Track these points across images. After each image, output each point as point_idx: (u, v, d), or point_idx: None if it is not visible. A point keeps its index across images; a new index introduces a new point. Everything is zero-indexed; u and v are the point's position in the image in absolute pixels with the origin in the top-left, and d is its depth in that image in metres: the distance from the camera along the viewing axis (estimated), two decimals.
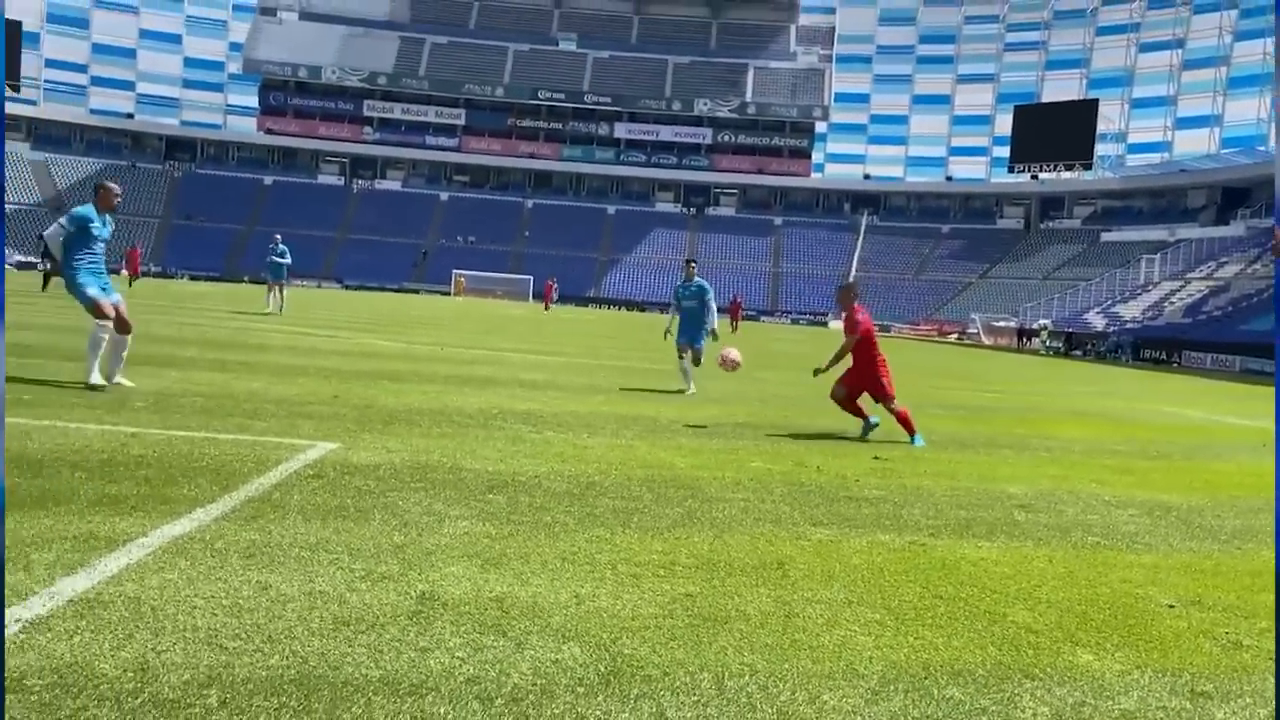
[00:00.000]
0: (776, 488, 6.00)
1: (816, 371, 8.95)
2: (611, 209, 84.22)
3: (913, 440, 8.41)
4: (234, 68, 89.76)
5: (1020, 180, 77.47)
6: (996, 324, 57.59)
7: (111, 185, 8.41)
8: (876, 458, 7.53)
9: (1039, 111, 76.57)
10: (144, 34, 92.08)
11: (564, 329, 29.33)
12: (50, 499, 4.39)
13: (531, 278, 70.30)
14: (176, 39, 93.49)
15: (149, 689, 2.58)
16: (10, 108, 77.43)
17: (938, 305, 70.32)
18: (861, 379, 8.67)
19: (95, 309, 8.02)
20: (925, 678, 3.07)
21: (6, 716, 2.41)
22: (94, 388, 7.86)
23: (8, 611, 3.00)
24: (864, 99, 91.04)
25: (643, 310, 66.78)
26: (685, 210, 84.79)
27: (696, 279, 11.88)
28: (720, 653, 3.15)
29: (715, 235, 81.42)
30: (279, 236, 24.94)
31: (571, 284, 69.19)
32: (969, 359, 31.66)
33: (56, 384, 8.02)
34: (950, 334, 60.54)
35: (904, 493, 6.14)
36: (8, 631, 2.85)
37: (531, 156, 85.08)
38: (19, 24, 78.86)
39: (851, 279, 14.31)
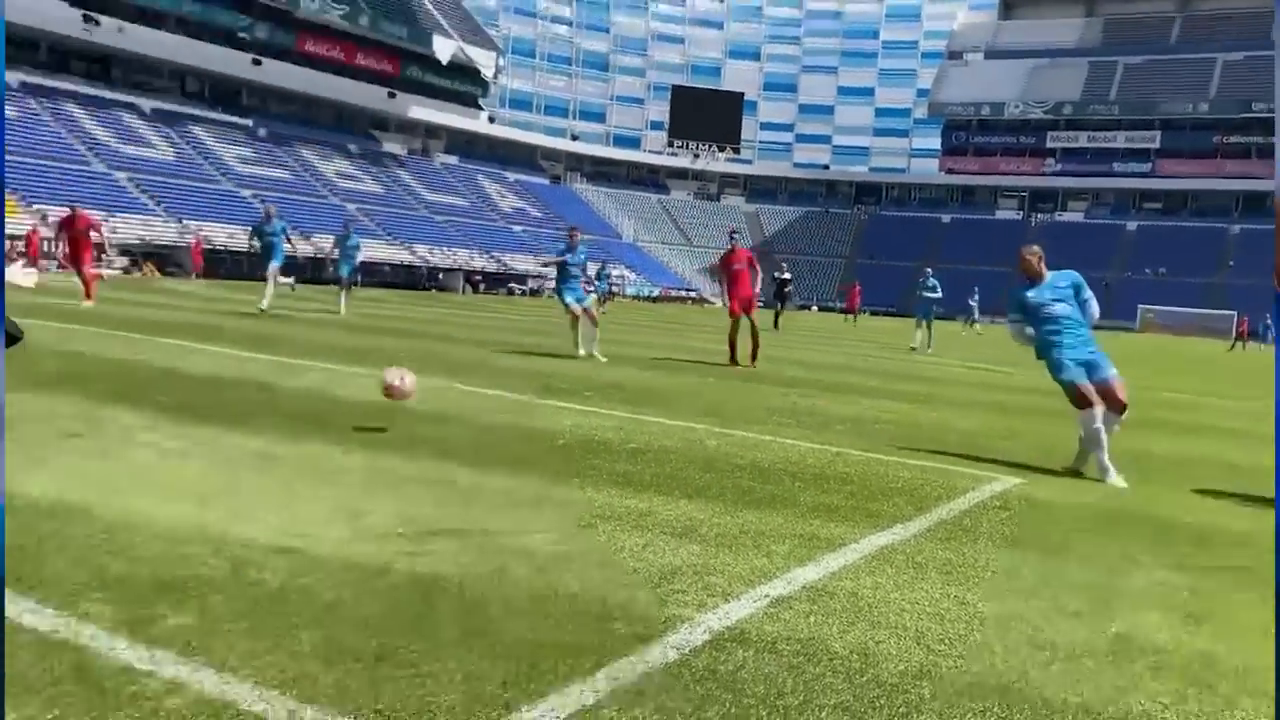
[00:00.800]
0: None
1: None
2: None
3: None
4: (920, 113, 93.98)
5: None
6: None
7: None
8: None
9: None
10: (841, 90, 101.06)
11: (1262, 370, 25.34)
12: (779, 501, 5.23)
13: (1234, 313, 61.82)
14: (869, 91, 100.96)
15: (871, 670, 3.01)
16: (730, 167, 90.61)
17: None
18: None
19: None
20: None
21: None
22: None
23: (759, 588, 3.71)
24: None
25: None
26: None
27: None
28: None
29: None
30: (929, 270, 23.98)
31: None
32: None
33: (771, 407, 9.33)
34: None
35: None
36: (755, 606, 3.52)
37: (1240, 177, 75.05)
38: (741, 95, 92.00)
39: None
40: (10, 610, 2.97)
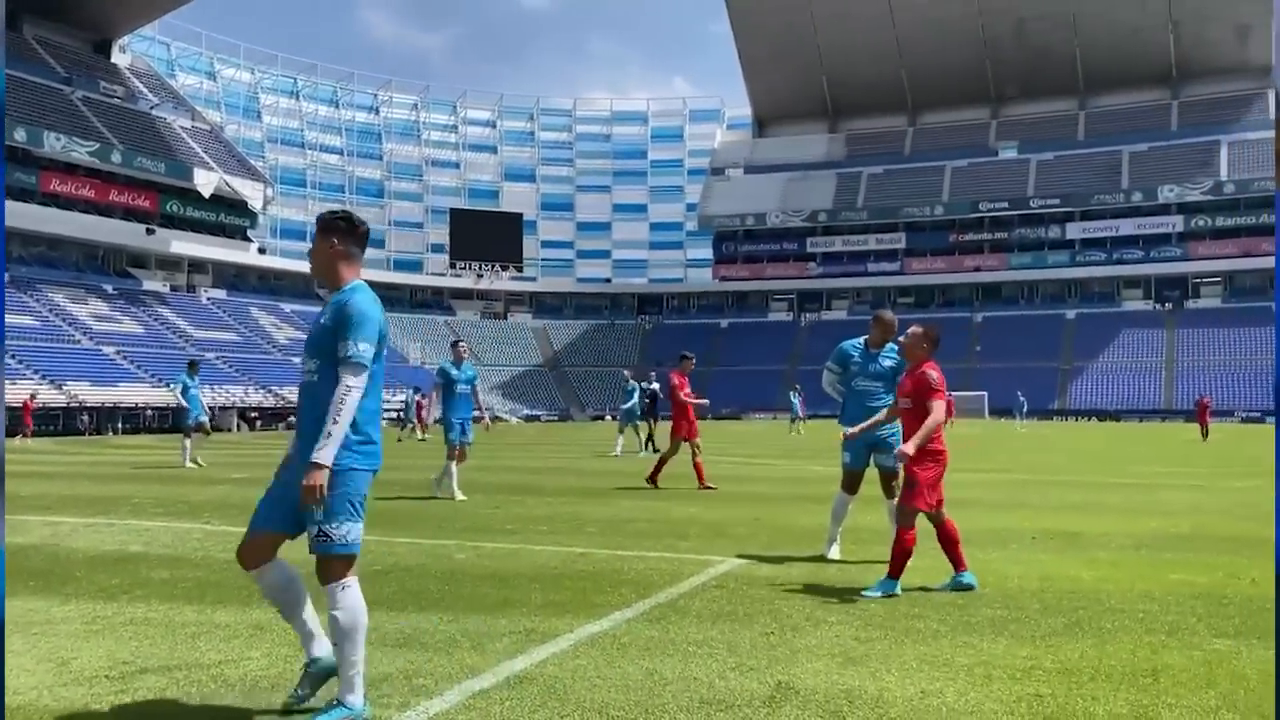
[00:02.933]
0: (1191, 600, 5.60)
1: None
2: (1070, 313, 79.26)
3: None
4: (691, 225, 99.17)
5: None
6: None
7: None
8: None
9: None
10: (616, 207, 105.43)
11: (1025, 444, 28.06)
12: (510, 604, 5.48)
13: (986, 394, 67.80)
14: (643, 208, 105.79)
15: None
16: (514, 285, 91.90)
17: None
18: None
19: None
20: None
21: None
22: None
23: (464, 684, 3.94)
24: None
25: (1118, 420, 61.38)
26: (1158, 306, 77.30)
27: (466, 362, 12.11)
28: None
29: (1196, 330, 73.02)
30: (626, 374, 25.64)
31: (1033, 397, 65.59)
32: None
33: (528, 516, 9.62)
34: None
35: None
36: (457, 700, 3.75)
37: (977, 270, 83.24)
38: (520, 215, 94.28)
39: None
40: None
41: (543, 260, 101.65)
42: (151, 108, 71.38)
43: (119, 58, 74.37)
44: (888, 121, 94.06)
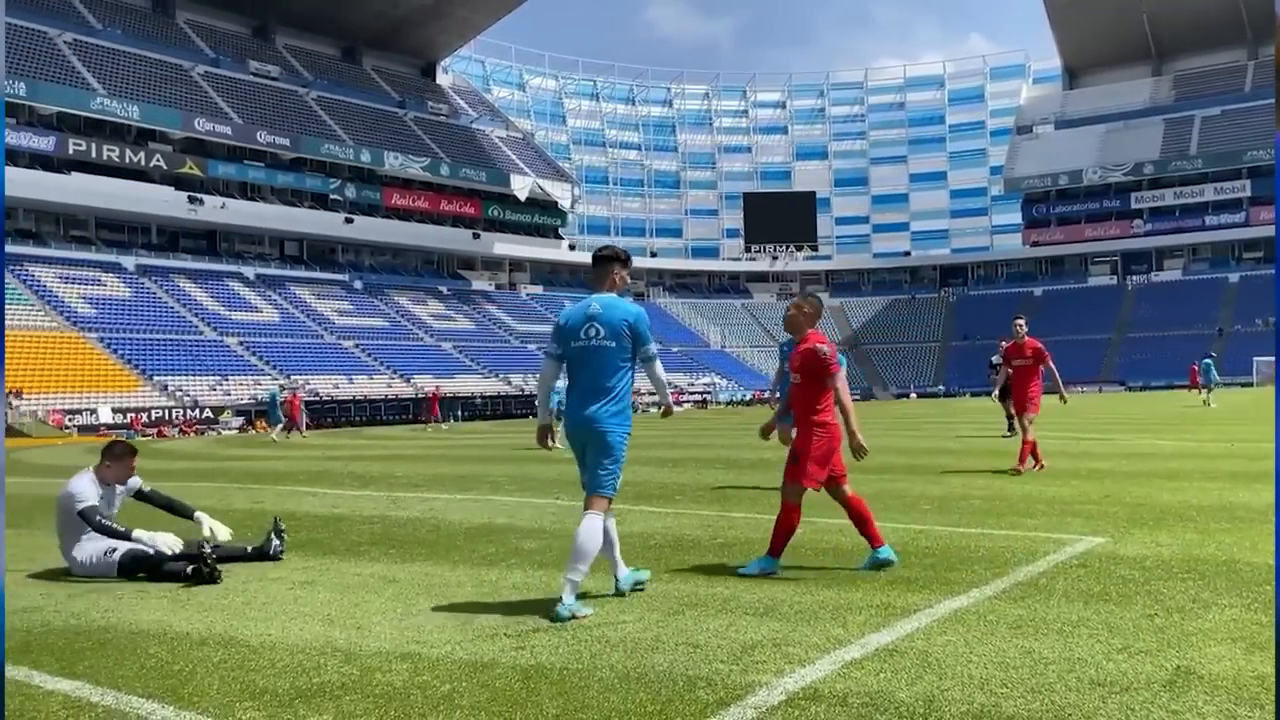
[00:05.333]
0: None
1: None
2: None
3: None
4: (996, 190, 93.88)
5: None
6: None
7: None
8: None
9: None
10: (913, 178, 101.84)
11: None
12: (859, 578, 5.49)
13: None
14: (942, 175, 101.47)
15: (934, 715, 3.27)
16: (810, 264, 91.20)
17: None
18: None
19: None
20: None
21: None
22: None
23: (834, 653, 4.00)
24: None
25: None
26: None
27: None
28: None
29: None
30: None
31: None
32: None
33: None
34: None
35: None
36: (829, 669, 3.81)
37: None
38: (813, 194, 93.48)
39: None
40: None
41: (837, 237, 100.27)
42: (471, 122, 77.63)
43: (442, 78, 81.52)
44: (1223, 57, 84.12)
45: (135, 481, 6.57)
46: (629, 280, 5.30)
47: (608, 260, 5.19)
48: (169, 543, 6.13)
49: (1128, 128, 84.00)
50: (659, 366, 5.12)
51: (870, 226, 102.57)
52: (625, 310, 5.01)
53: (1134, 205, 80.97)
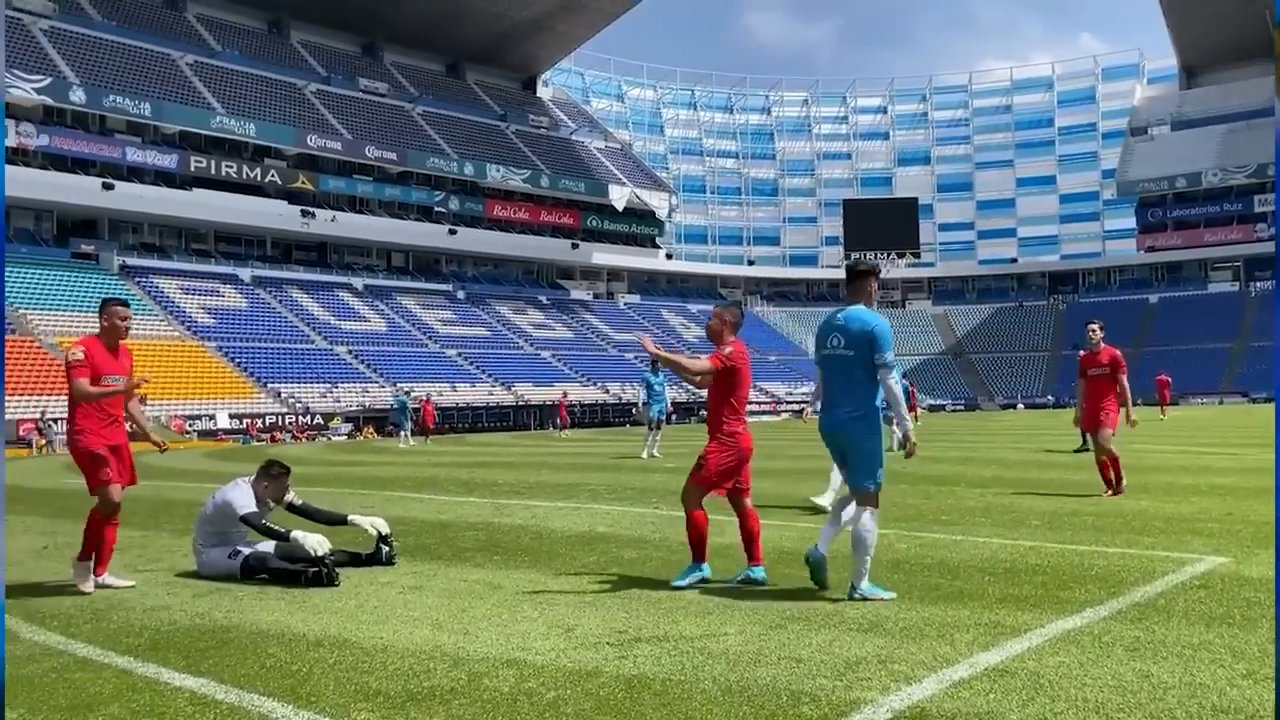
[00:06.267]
0: None
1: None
2: None
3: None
4: (1108, 194, 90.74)
5: None
6: None
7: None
8: None
9: None
10: (1020, 182, 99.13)
11: None
12: (966, 595, 5.39)
13: None
14: (1050, 180, 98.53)
15: None
16: (912, 271, 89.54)
17: None
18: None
19: None
20: None
21: None
22: None
23: (941, 672, 3.93)
24: None
25: None
26: None
27: None
28: None
29: None
30: None
31: None
32: None
33: (961, 507, 9.31)
34: None
35: None
36: (936, 688, 3.75)
37: None
38: (915, 200, 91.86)
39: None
40: None
41: (940, 244, 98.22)
42: (571, 133, 78.61)
43: (543, 91, 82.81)
44: None
45: (237, 508, 6.79)
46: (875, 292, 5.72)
47: (864, 275, 5.59)
48: (319, 543, 6.40)
49: (1250, 128, 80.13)
50: (892, 379, 5.32)
51: (975, 232, 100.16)
52: (866, 321, 5.34)
53: (1257, 209, 77.23)
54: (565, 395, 44.63)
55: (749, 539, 5.91)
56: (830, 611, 5.07)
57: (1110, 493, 10.04)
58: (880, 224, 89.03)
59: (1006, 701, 3.56)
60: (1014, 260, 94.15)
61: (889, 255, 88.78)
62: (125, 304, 6.52)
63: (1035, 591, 5.43)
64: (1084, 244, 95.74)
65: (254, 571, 6.48)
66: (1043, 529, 7.90)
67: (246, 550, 6.57)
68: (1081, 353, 10.57)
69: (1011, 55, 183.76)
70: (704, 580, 5.85)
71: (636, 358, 61.82)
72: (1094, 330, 10.49)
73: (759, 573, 5.89)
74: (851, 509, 5.52)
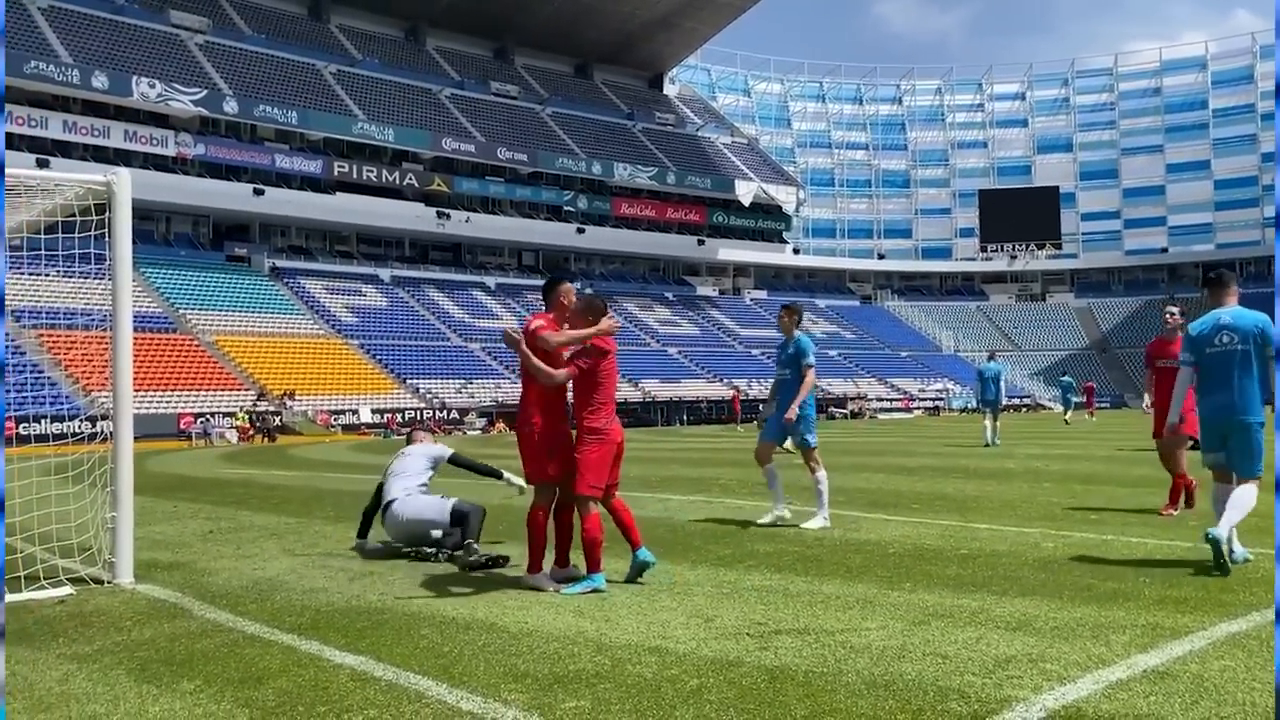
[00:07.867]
0: None
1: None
2: None
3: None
4: (1268, 179, 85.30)
5: None
6: None
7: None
8: None
9: None
10: (1170, 168, 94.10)
11: None
12: (1120, 595, 5.18)
13: None
14: (1204, 165, 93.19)
15: None
16: (1052, 263, 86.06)
17: None
18: None
19: None
20: None
21: None
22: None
23: (1096, 673, 3.80)
24: None
25: None
26: None
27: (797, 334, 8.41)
28: None
29: None
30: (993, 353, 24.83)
31: None
32: None
33: (1110, 507, 8.95)
34: None
35: None
36: (1092, 688, 3.63)
37: None
38: (1055, 188, 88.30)
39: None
40: (448, 698, 3.77)
41: (1083, 235, 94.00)
42: (697, 130, 78.61)
43: (669, 89, 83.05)
44: None
45: (446, 450, 7.66)
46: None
47: (1227, 284, 6.42)
48: (520, 481, 6.68)
49: None
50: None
51: (1121, 222, 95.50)
52: (1254, 318, 6.13)
53: None
54: (739, 391, 45.29)
55: (624, 529, 5.95)
56: (975, 609, 4.96)
57: (1168, 509, 8.47)
58: (1018, 214, 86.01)
59: (1169, 704, 3.42)
60: (1164, 250, 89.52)
61: (1028, 246, 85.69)
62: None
63: (1196, 593, 5.19)
64: (1242, 232, 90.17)
65: (462, 518, 6.92)
66: (1202, 529, 7.50)
67: (454, 499, 7.13)
68: (1157, 340, 8.96)
69: (1160, 35, 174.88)
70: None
71: (764, 354, 61.44)
72: (1171, 314, 8.86)
73: (644, 554, 5.93)
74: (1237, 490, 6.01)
